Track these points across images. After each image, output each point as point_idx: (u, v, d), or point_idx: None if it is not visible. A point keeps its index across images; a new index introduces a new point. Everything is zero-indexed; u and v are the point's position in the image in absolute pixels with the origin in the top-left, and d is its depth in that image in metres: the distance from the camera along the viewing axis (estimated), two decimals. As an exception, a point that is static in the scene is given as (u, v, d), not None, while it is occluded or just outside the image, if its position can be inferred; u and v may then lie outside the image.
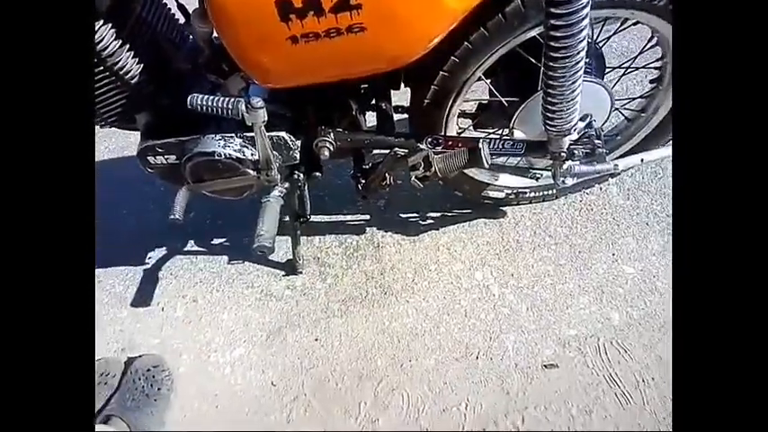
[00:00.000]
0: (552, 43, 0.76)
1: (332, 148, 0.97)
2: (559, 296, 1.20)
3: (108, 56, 0.80)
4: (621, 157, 1.17)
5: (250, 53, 0.72)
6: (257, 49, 0.72)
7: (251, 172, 0.95)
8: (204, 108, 0.77)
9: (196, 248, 1.52)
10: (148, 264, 1.52)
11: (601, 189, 1.38)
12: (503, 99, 1.06)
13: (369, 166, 1.04)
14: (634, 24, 0.97)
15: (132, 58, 0.83)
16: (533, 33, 0.90)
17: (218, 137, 0.92)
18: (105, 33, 0.79)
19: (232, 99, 0.77)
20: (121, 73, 0.83)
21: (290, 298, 1.32)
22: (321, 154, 0.96)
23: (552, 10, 0.71)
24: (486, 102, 1.15)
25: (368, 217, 1.46)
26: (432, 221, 1.40)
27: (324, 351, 1.19)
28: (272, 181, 0.95)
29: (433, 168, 0.90)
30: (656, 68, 1.07)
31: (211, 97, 0.78)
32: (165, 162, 0.99)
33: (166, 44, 0.88)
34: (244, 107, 0.76)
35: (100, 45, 0.79)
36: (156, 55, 0.88)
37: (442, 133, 1.08)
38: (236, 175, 0.95)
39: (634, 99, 1.16)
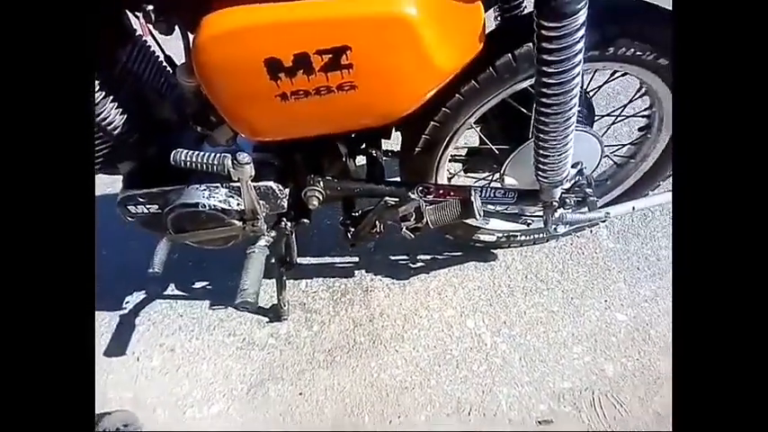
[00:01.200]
0: (544, 98, 0.76)
1: (321, 198, 0.94)
2: (553, 345, 1.17)
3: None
4: (611, 203, 1.17)
5: (238, 110, 0.70)
6: (245, 106, 0.70)
7: (236, 223, 0.92)
8: (189, 164, 0.74)
9: (177, 292, 1.46)
10: (125, 308, 1.45)
11: (591, 232, 1.37)
12: (493, 147, 1.05)
13: (358, 214, 1.02)
14: (622, 76, 0.98)
15: (117, 108, 0.80)
16: (524, 85, 0.90)
17: (202, 187, 0.89)
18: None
19: (217, 155, 0.75)
20: (105, 123, 0.80)
21: (274, 347, 1.27)
22: (310, 203, 0.93)
23: (544, 68, 0.71)
24: (475, 147, 1.14)
25: (356, 259, 1.42)
26: (422, 264, 1.37)
27: (308, 406, 1.13)
28: (259, 232, 0.92)
29: (425, 220, 0.88)
30: (644, 117, 1.08)
31: (196, 153, 0.75)
32: (146, 211, 0.95)
33: (152, 94, 0.85)
34: (230, 163, 0.74)
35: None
36: (141, 105, 0.85)
37: (433, 180, 1.06)
38: (221, 226, 0.92)
39: (624, 146, 1.16)
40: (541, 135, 0.83)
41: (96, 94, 0.77)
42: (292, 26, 0.61)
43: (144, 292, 1.49)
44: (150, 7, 0.65)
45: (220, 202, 0.89)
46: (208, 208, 0.88)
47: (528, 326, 1.21)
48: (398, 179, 1.03)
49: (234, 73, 0.65)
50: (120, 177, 0.94)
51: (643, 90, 1.01)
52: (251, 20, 0.61)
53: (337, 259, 1.44)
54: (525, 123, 1.00)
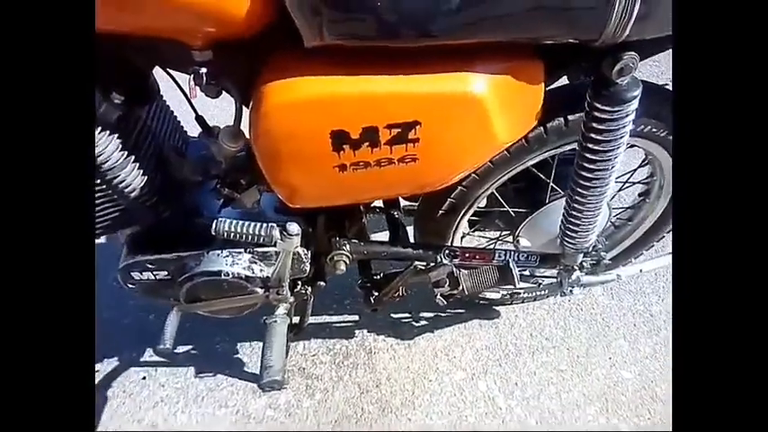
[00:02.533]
0: (584, 172, 0.78)
1: (348, 262, 0.90)
2: (566, 406, 1.16)
3: (108, 169, 0.70)
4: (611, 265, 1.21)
5: (289, 177, 0.66)
6: (298, 174, 0.66)
7: (259, 290, 0.85)
8: (233, 235, 0.68)
9: (156, 358, 1.32)
10: (96, 378, 1.28)
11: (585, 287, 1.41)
12: (510, 209, 1.06)
13: (380, 277, 0.98)
14: (630, 147, 1.04)
15: (136, 170, 0.73)
16: (548, 155, 0.93)
17: (224, 253, 0.82)
18: (108, 145, 0.69)
19: (264, 226, 0.69)
20: (121, 186, 0.72)
21: (273, 419, 1.17)
22: (337, 268, 0.88)
23: (590, 145, 0.74)
24: (488, 209, 1.16)
25: (356, 318, 1.37)
26: (425, 323, 1.34)
27: (320, 489, 1.04)
28: (283, 300, 0.85)
29: (461, 287, 0.86)
30: (644, 183, 1.14)
31: (241, 223, 0.69)
32: (152, 278, 0.86)
33: (171, 153, 0.79)
34: (278, 234, 0.68)
35: (101, 158, 0.69)
36: (160, 165, 0.79)
37: (449, 241, 1.06)
38: (242, 295, 0.84)
39: (624, 210, 1.22)
40: (576, 205, 0.85)
41: (114, 155, 0.70)
42: (366, 100, 0.59)
43: (117, 358, 1.33)
44: (203, 70, 0.61)
45: (244, 269, 0.82)
46: (231, 276, 0.81)
47: (540, 387, 1.19)
48: (422, 241, 1.01)
49: (296, 142, 0.61)
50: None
51: (647, 160, 1.08)
52: (322, 91, 0.58)
53: (336, 318, 1.37)
54: (543, 188, 1.03)
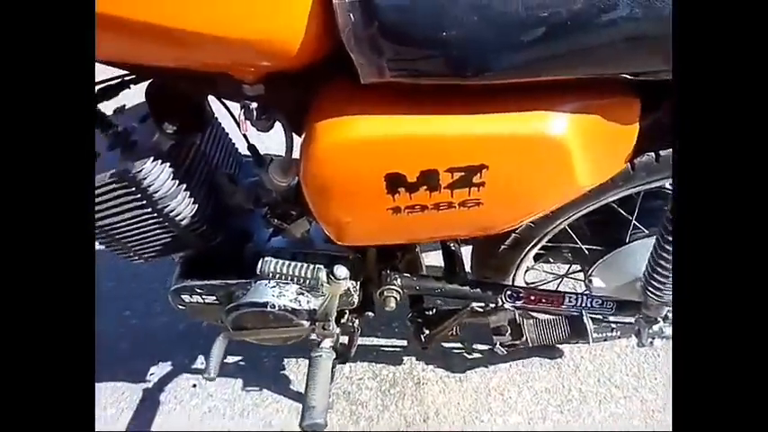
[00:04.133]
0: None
1: (399, 297, 0.84)
2: (637, 468, 1.03)
3: (160, 198, 0.69)
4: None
5: (338, 218, 0.61)
6: (348, 215, 0.61)
7: (305, 323, 0.81)
8: (278, 276, 0.64)
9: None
10: (149, 382, 1.33)
11: (664, 330, 1.25)
12: (583, 246, 0.95)
13: (433, 313, 0.91)
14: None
15: (187, 198, 0.72)
16: (634, 191, 0.81)
17: (271, 284, 0.79)
18: (160, 174, 0.67)
19: (311, 267, 0.65)
20: (172, 214, 0.71)
21: (316, 444, 1.13)
22: (387, 304, 0.83)
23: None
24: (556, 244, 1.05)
25: (405, 343, 1.30)
26: (479, 356, 1.25)
27: None
28: (329, 334, 0.81)
29: (524, 337, 0.77)
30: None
31: (287, 264, 0.65)
32: (201, 302, 0.85)
33: (223, 180, 0.77)
34: (325, 277, 0.64)
35: (152, 186, 0.67)
36: (212, 193, 0.77)
37: (510, 279, 0.97)
38: (288, 326, 0.81)
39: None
40: (667, 248, 0.73)
41: (167, 184, 0.69)
42: (425, 142, 0.53)
43: (170, 363, 1.37)
44: (254, 105, 0.57)
45: (291, 301, 0.78)
46: (277, 308, 0.77)
47: (606, 442, 1.07)
48: (481, 277, 0.93)
49: (347, 184, 0.56)
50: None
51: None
52: (378, 131, 0.52)
53: (383, 341, 1.32)
54: (623, 225, 0.91)
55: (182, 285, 0.82)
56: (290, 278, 0.65)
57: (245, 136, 0.75)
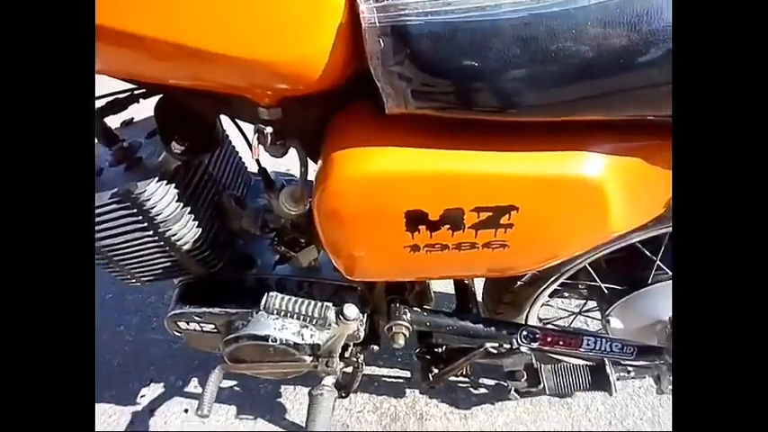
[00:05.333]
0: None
1: (407, 334, 0.79)
2: None
3: (162, 221, 0.65)
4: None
5: (351, 253, 0.57)
6: (361, 251, 0.56)
7: (307, 359, 0.76)
8: (284, 313, 0.60)
9: (200, 389, 1.28)
10: (139, 404, 1.27)
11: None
12: (603, 285, 0.91)
13: (443, 351, 0.86)
14: None
15: (191, 222, 0.68)
16: (661, 232, 0.77)
17: (273, 316, 0.74)
18: (164, 196, 0.63)
19: (319, 306, 0.61)
20: (174, 238, 0.67)
21: (311, 480, 1.07)
22: (396, 341, 0.78)
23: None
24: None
25: (408, 374, 1.25)
26: (485, 391, 1.19)
27: None
28: (332, 372, 0.76)
29: (542, 384, 0.72)
30: None
31: (293, 300, 0.61)
32: (198, 330, 0.80)
33: (230, 203, 0.73)
34: (334, 317, 0.60)
35: (155, 209, 0.63)
36: (217, 215, 0.73)
37: (524, 316, 0.92)
38: (289, 361, 0.76)
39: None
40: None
41: (170, 206, 0.65)
42: (451, 179, 0.49)
43: (163, 384, 1.31)
44: (269, 130, 0.54)
45: (293, 335, 0.74)
46: (279, 342, 0.73)
47: (619, 493, 1.01)
48: (495, 314, 0.88)
49: (364, 219, 0.52)
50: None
51: None
52: (401, 166, 0.49)
53: (385, 371, 1.26)
54: (646, 266, 0.86)
55: (179, 312, 0.77)
56: (296, 315, 0.60)
57: (257, 160, 0.71)
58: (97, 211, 0.65)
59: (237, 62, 0.45)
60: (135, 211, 0.64)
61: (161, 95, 0.66)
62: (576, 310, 1.11)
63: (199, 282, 0.79)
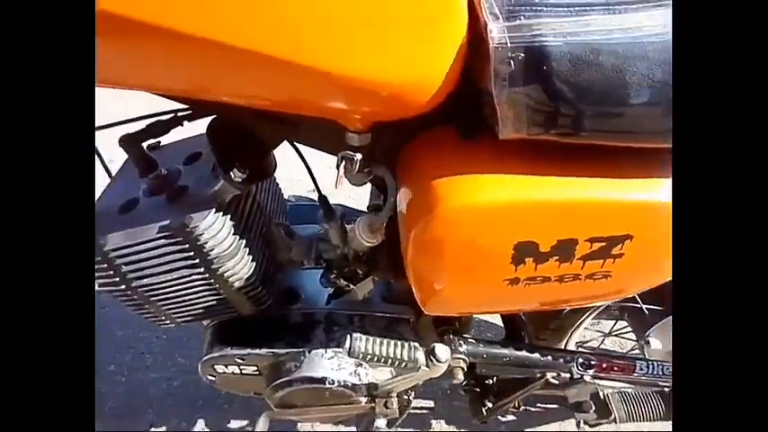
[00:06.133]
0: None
1: (465, 369, 0.74)
2: None
3: (215, 257, 0.58)
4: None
5: (443, 286, 0.52)
6: (455, 285, 0.52)
7: (363, 400, 0.70)
8: (369, 357, 0.54)
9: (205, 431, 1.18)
10: (140, 451, 1.15)
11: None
12: (644, 306, 0.90)
13: (494, 383, 0.82)
14: None
15: (246, 256, 0.61)
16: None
17: (328, 354, 0.68)
18: (221, 230, 0.57)
19: (407, 347, 0.56)
20: (228, 274, 0.60)
21: None
22: (455, 376, 0.73)
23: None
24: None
25: (431, 404, 1.20)
26: (513, 418, 1.16)
27: None
28: (392, 413, 0.70)
29: (613, 415, 0.69)
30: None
31: (379, 342, 0.56)
32: (237, 373, 0.73)
33: (279, 232, 0.67)
34: (423, 359, 0.54)
35: (209, 244, 0.57)
36: (267, 248, 0.67)
37: (564, 341, 0.90)
38: (344, 404, 0.70)
39: None
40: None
41: (226, 241, 0.58)
42: (569, 208, 0.46)
43: (164, 428, 1.20)
44: (358, 157, 0.49)
45: (350, 375, 0.68)
46: (336, 384, 0.67)
47: None
48: (543, 341, 0.85)
49: (468, 252, 0.48)
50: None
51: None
52: (517, 195, 0.45)
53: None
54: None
55: (219, 355, 0.70)
56: (383, 359, 0.55)
57: (316, 185, 0.66)
58: (139, 248, 0.57)
59: (342, 81, 0.40)
60: (187, 246, 0.57)
61: (213, 117, 0.60)
62: (605, 335, 1.10)
63: (237, 320, 0.71)
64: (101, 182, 0.63)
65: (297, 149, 0.61)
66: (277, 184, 0.79)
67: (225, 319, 0.72)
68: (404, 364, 0.55)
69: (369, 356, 0.54)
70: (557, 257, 0.49)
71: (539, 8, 0.39)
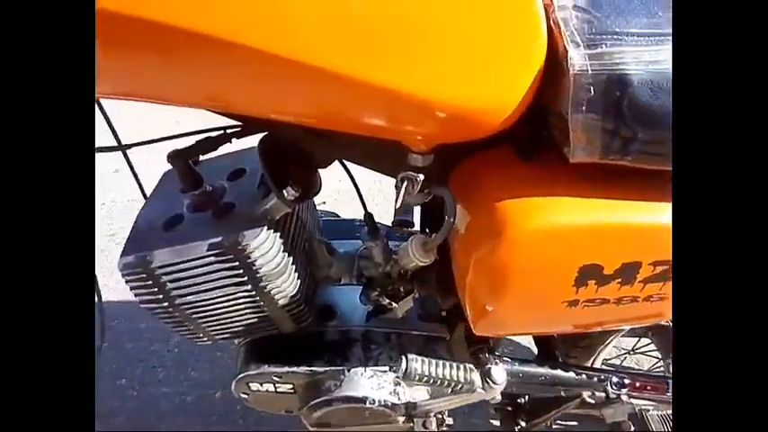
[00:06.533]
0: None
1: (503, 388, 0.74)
2: None
3: (264, 275, 0.57)
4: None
5: (500, 308, 0.52)
6: (513, 307, 0.52)
7: (400, 419, 0.69)
8: (425, 378, 0.54)
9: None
10: (154, 470, 1.12)
11: None
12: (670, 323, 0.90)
13: (526, 401, 0.81)
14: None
15: (293, 273, 0.60)
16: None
17: (367, 373, 0.67)
18: (271, 248, 0.56)
19: (462, 369, 0.55)
20: (274, 292, 0.59)
21: None
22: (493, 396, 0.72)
23: None
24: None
25: (451, 421, 1.18)
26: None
27: None
28: (429, 433, 0.69)
29: (653, 438, 0.69)
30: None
31: (435, 363, 0.55)
32: (272, 391, 0.71)
33: (321, 249, 0.67)
34: (480, 381, 0.54)
35: (259, 261, 0.56)
36: (308, 265, 0.66)
37: (592, 359, 0.90)
38: (381, 423, 0.69)
39: None
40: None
41: (276, 259, 0.58)
42: (637, 232, 0.46)
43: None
44: (420, 177, 0.49)
45: (390, 393, 0.67)
46: (377, 403, 0.66)
47: None
48: (577, 359, 0.85)
49: (533, 275, 0.48)
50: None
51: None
52: (587, 217, 0.45)
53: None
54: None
55: (256, 373, 0.68)
56: (439, 381, 0.54)
57: (363, 203, 0.66)
58: (186, 264, 0.57)
59: (420, 104, 0.40)
60: (236, 264, 0.56)
61: (264, 134, 0.59)
62: (627, 352, 1.10)
63: (273, 338, 0.70)
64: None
65: (346, 168, 0.61)
66: (313, 201, 0.79)
67: (260, 337, 0.71)
68: (460, 386, 0.54)
69: (425, 378, 0.53)
70: (619, 280, 0.49)
71: (620, 37, 0.39)
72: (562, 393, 0.81)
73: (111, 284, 1.36)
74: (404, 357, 0.53)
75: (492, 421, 1.16)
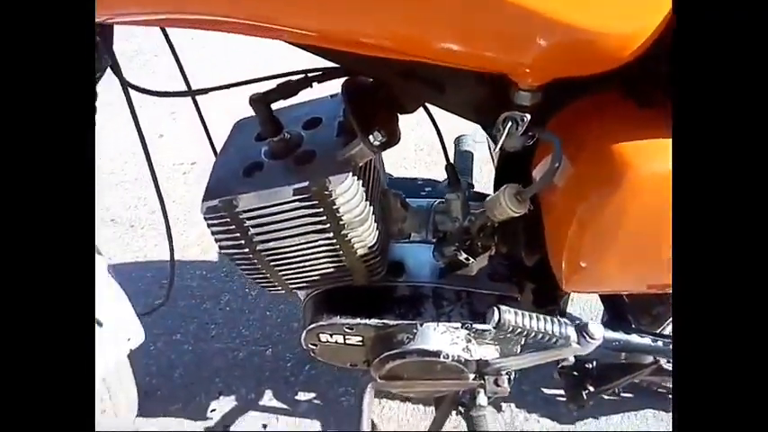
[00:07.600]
0: None
1: (574, 350, 0.72)
2: None
3: (349, 221, 0.56)
4: None
5: (602, 261, 0.49)
6: (619, 259, 0.49)
7: (471, 376, 0.68)
8: (518, 330, 0.52)
9: (276, 403, 1.19)
10: (211, 419, 1.18)
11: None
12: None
13: (593, 367, 0.80)
14: None
15: (373, 223, 0.59)
16: None
17: (440, 328, 0.66)
18: (356, 193, 0.55)
19: (557, 323, 0.53)
20: (354, 240, 0.59)
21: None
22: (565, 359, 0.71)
23: None
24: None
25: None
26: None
27: None
28: (503, 392, 0.68)
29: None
30: None
31: (528, 316, 0.53)
32: (341, 342, 0.72)
33: (395, 203, 0.65)
34: (576, 336, 0.52)
35: (343, 208, 0.55)
36: (384, 217, 0.65)
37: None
38: (452, 379, 0.68)
39: None
40: None
41: (359, 207, 0.57)
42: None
43: (233, 397, 1.21)
44: (527, 117, 0.46)
45: (463, 350, 0.66)
46: (450, 358, 0.65)
47: None
48: (651, 330, 0.82)
49: (653, 222, 0.45)
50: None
51: None
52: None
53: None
54: None
55: (328, 323, 0.69)
56: (533, 333, 0.53)
57: (445, 153, 0.64)
58: (269, 210, 0.56)
59: (539, 23, 0.37)
60: (321, 210, 0.55)
61: (347, 78, 0.58)
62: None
63: (344, 290, 0.70)
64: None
65: (430, 114, 0.59)
66: (381, 156, 0.77)
67: (330, 289, 0.71)
68: (555, 339, 0.53)
69: (519, 329, 0.52)
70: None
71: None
72: (630, 359, 0.79)
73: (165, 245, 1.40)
74: (495, 308, 0.52)
75: (543, 389, 1.15)
